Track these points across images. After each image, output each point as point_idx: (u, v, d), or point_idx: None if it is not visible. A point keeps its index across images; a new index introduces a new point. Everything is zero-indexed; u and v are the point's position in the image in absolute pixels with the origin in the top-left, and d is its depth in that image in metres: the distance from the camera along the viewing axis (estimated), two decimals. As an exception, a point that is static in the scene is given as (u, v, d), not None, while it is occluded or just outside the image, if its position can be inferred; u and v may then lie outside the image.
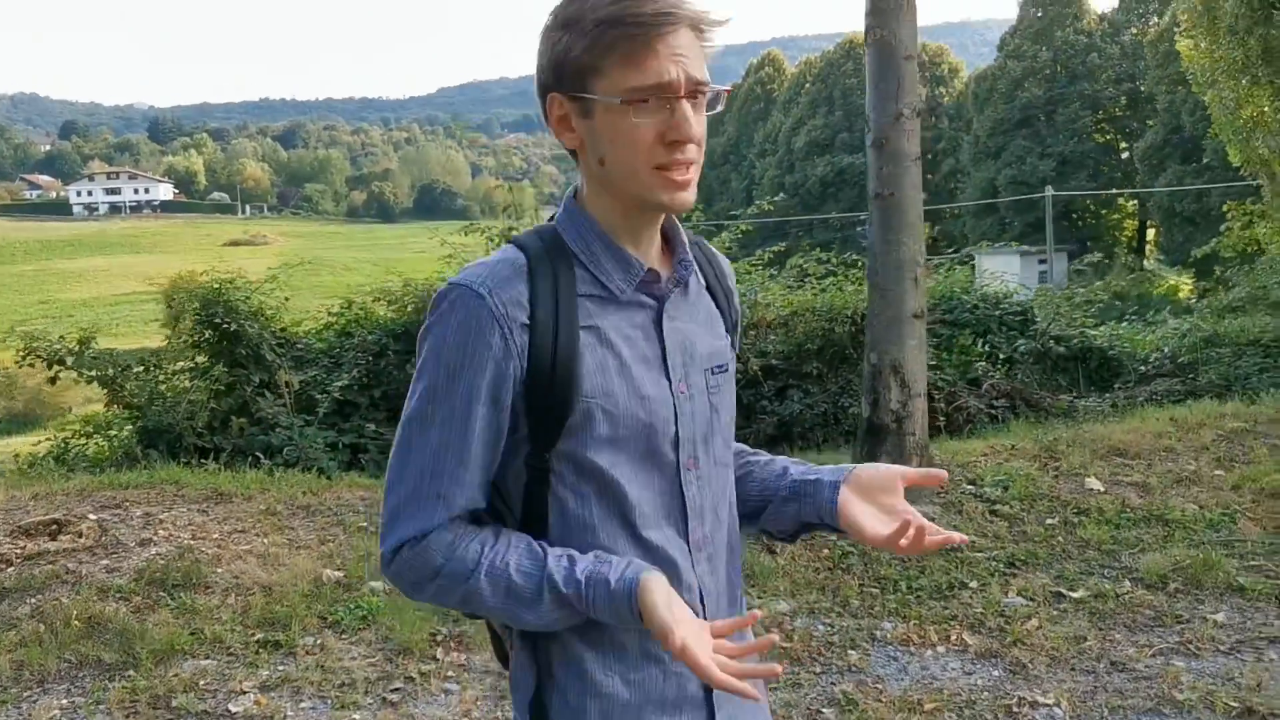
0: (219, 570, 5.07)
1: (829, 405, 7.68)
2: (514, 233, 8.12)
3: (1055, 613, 4.66)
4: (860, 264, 8.66)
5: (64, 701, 4.07)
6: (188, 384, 7.76)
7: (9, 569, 5.02)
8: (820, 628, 4.60)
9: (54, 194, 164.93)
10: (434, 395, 1.37)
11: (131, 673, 4.23)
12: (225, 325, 7.46)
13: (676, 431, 1.44)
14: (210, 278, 7.72)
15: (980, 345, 9.17)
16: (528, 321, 1.35)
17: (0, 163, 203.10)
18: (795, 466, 1.61)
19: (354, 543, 5.41)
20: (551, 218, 1.48)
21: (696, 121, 1.33)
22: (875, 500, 1.50)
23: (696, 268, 1.53)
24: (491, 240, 8.26)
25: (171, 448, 7.33)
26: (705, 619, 1.44)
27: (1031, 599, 4.78)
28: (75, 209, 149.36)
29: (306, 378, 7.76)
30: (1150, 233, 49.42)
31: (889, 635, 4.52)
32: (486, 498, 1.43)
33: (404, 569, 1.40)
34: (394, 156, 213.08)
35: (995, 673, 4.20)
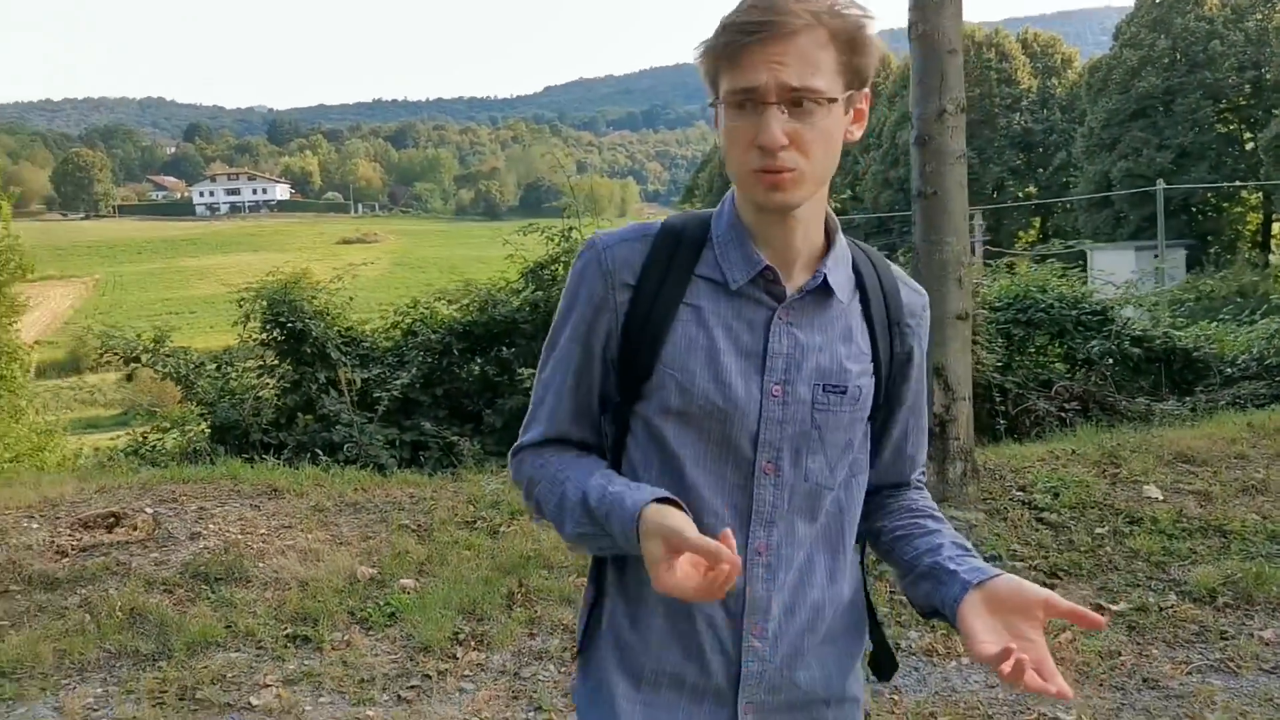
0: (260, 565, 5.21)
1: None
2: (572, 230, 8.25)
3: (1092, 626, 4.49)
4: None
5: (99, 690, 4.22)
6: (255, 381, 7.97)
7: (64, 560, 5.23)
8: (844, 636, 4.51)
9: (178, 195, 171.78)
10: (554, 330, 1.54)
11: (164, 664, 4.37)
12: (291, 324, 7.64)
13: (758, 430, 1.45)
14: (275, 278, 7.91)
15: (1058, 346, 8.91)
16: (632, 282, 1.46)
17: (129, 165, 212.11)
18: (951, 548, 1.52)
19: (394, 540, 5.49)
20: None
21: (796, 127, 1.34)
22: (1004, 617, 1.38)
23: (858, 288, 1.52)
24: (551, 239, 8.30)
25: (239, 443, 7.55)
26: (753, 637, 1.47)
27: (1069, 611, 4.61)
28: (198, 209, 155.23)
29: (370, 375, 7.91)
30: (1276, 227, 47.29)
31: (914, 645, 4.42)
32: (585, 433, 1.54)
33: (512, 471, 1.59)
34: (501, 155, 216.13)
35: (1019, 687, 4.07)
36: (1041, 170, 56.10)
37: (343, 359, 7.76)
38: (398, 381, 7.75)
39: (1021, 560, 5.06)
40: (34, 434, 17.43)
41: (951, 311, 5.47)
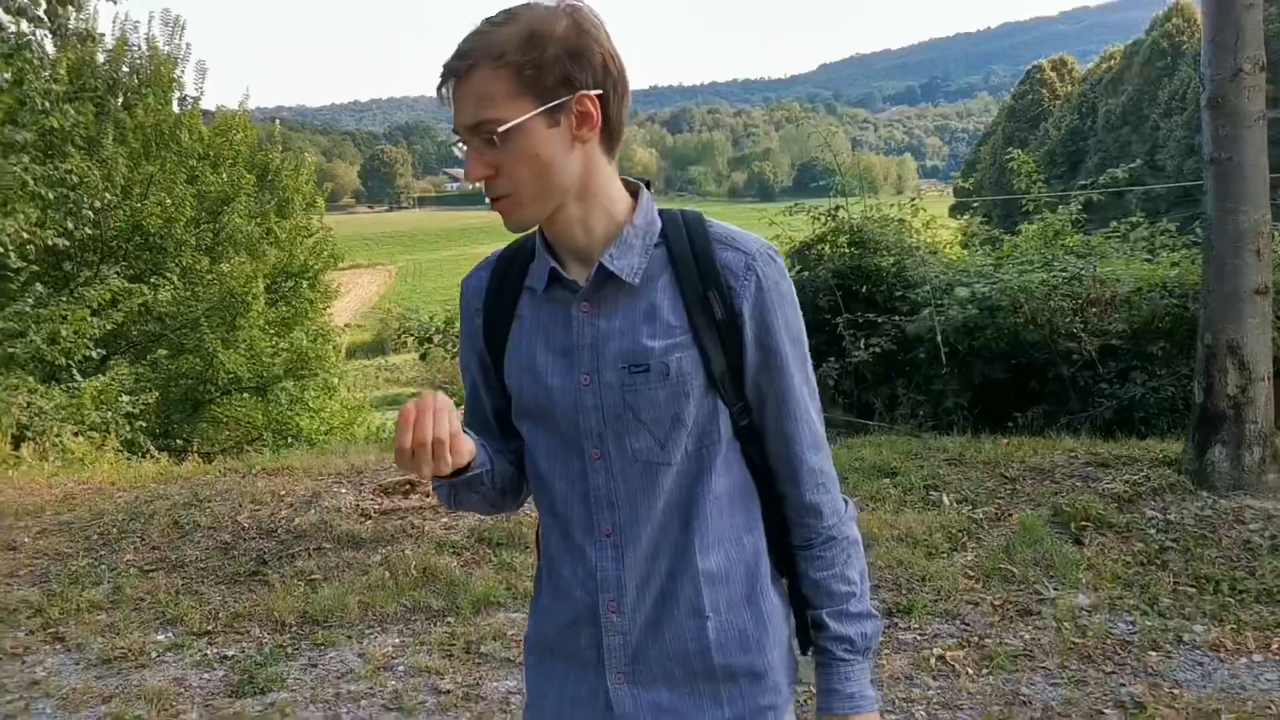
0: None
1: (1176, 389, 7.01)
2: (838, 209, 8.21)
3: None
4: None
5: (396, 640, 4.63)
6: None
7: (368, 522, 5.76)
8: (1120, 625, 4.32)
9: (470, 185, 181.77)
10: None
11: (452, 619, 4.74)
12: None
13: (579, 421, 1.49)
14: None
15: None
16: (481, 306, 1.59)
17: (427, 159, 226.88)
18: (828, 642, 1.55)
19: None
20: None
21: (496, 157, 1.38)
22: None
23: (669, 263, 1.48)
24: (817, 219, 8.28)
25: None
26: (609, 613, 1.52)
27: (1384, 611, 4.22)
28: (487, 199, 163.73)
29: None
30: None
31: (1198, 639, 4.17)
32: (494, 443, 1.60)
33: None
34: (774, 136, 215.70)
35: (1319, 689, 3.77)
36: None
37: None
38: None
39: (1328, 554, 4.66)
40: (346, 409, 19.10)
41: (1247, 285, 5.08)
